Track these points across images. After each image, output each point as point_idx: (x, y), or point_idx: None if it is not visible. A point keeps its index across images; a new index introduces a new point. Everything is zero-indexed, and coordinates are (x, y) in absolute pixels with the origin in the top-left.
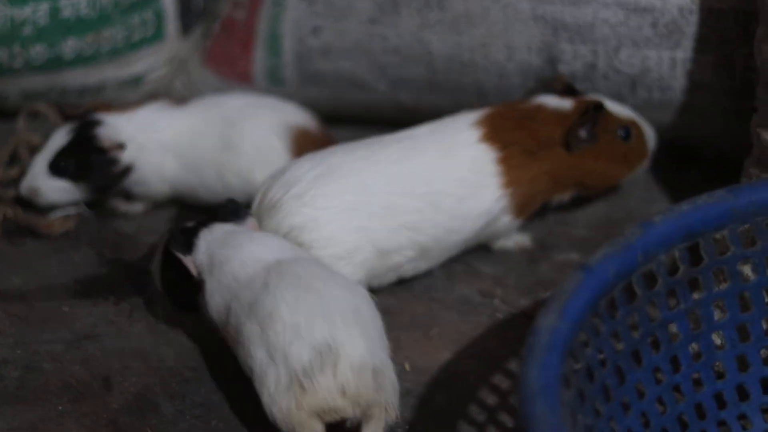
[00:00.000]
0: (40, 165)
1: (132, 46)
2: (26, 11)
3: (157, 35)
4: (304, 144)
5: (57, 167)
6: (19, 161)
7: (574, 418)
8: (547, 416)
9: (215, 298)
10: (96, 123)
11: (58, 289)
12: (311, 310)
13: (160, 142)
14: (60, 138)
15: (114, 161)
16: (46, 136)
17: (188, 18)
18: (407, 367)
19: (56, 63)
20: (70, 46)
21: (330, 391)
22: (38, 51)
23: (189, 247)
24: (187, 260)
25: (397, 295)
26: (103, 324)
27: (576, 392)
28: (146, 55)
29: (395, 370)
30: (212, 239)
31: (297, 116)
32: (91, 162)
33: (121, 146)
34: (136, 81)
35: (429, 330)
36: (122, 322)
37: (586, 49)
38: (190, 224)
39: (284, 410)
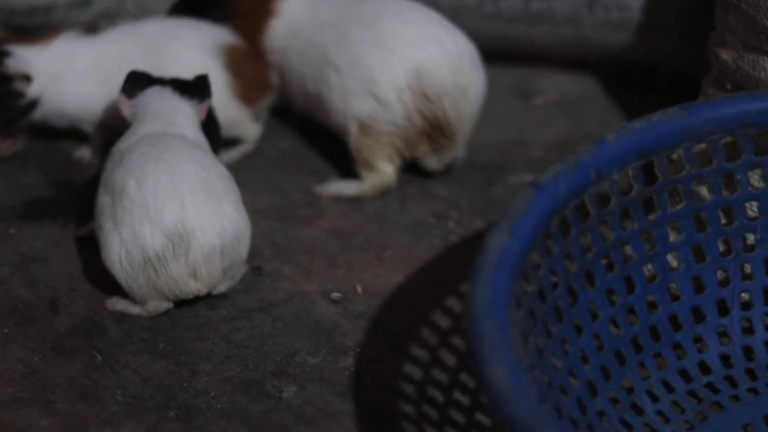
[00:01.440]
0: None
1: None
2: None
3: None
4: (236, 60)
5: None
6: None
7: (525, 339)
8: (494, 335)
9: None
10: (3, 53)
11: (4, 211)
12: (159, 189)
13: (79, 72)
14: None
15: (18, 94)
16: None
17: None
18: (359, 289)
19: None
20: None
21: (181, 276)
22: None
23: (133, 92)
24: (122, 99)
25: (349, 218)
26: (50, 246)
27: (527, 313)
28: None
29: (249, 233)
30: (149, 105)
31: (221, 34)
32: None
33: (27, 78)
34: (86, 1)
35: (382, 252)
36: (69, 244)
37: None
38: (148, 75)
39: (138, 287)
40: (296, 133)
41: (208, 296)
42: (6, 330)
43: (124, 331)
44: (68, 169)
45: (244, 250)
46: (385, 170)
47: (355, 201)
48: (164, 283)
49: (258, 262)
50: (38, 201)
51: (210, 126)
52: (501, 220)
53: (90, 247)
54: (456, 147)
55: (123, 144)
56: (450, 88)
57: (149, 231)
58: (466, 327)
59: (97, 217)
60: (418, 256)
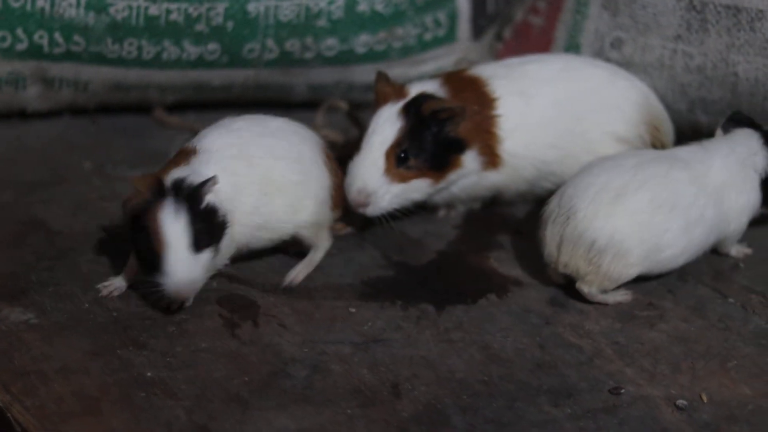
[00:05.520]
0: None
1: (423, 45)
2: (322, 3)
3: (449, 36)
4: (331, 161)
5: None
6: None
7: None
8: None
9: None
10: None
11: (343, 288)
12: (594, 171)
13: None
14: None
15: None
16: (341, 133)
17: (481, 20)
18: (704, 398)
19: (346, 57)
20: (362, 41)
21: (551, 239)
22: (330, 44)
23: (728, 128)
24: (718, 132)
25: (691, 323)
26: (391, 329)
27: None
28: (436, 56)
29: (636, 256)
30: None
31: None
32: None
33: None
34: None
35: (726, 362)
36: (410, 328)
37: None
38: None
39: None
40: None
41: (553, 393)
42: (350, 411)
43: (468, 421)
44: (405, 250)
45: (620, 266)
46: None
47: (697, 307)
48: (540, 237)
49: (600, 363)
50: (376, 281)
51: None
52: None
53: (431, 333)
54: None
55: None
56: (663, 113)
57: (562, 190)
58: None
59: None
60: (765, 369)
